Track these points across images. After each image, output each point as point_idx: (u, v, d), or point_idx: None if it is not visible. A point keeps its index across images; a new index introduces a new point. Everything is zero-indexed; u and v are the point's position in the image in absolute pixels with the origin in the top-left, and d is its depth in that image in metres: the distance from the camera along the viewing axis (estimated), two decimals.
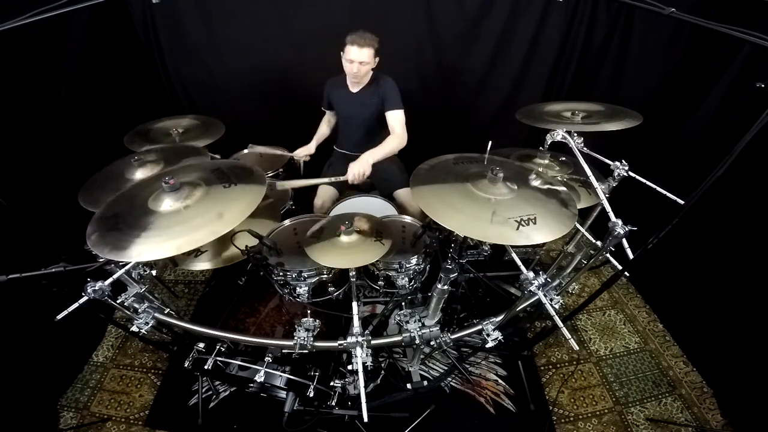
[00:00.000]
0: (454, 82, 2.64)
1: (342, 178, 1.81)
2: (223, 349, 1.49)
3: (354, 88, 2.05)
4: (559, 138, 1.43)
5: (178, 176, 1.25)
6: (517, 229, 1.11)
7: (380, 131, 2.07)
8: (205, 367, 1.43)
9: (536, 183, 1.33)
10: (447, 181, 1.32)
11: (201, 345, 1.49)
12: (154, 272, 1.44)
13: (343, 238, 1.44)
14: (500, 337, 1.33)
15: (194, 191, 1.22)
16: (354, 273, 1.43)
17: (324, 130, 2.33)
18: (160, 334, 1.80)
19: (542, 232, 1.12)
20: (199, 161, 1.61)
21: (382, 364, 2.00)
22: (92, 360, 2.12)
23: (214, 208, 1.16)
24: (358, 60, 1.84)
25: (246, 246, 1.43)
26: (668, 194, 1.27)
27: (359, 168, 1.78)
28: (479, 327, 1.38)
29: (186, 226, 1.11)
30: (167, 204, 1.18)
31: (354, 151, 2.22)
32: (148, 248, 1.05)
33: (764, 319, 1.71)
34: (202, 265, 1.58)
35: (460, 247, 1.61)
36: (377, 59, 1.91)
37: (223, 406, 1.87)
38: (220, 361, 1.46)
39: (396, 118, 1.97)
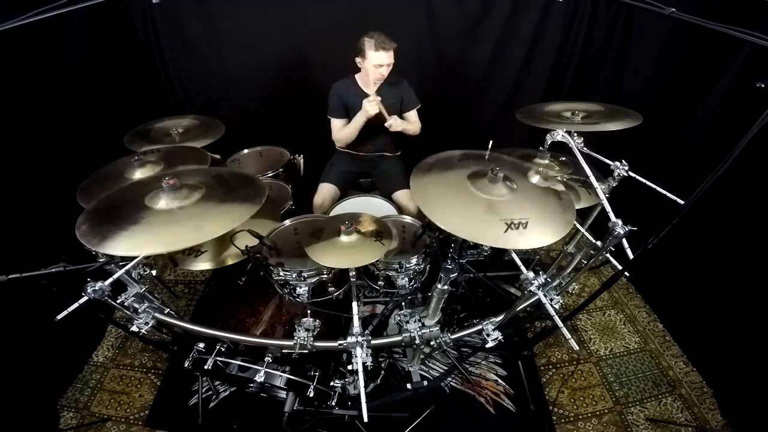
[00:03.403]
0: (454, 82, 2.64)
1: (387, 116, 1.97)
2: (223, 349, 1.49)
3: (370, 90, 2.04)
4: (559, 138, 1.43)
5: (182, 178, 1.26)
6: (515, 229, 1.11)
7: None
8: (205, 367, 1.42)
9: (537, 182, 1.32)
10: (447, 181, 1.31)
11: (201, 345, 1.49)
12: (154, 272, 1.44)
13: (343, 238, 1.44)
14: (500, 337, 1.33)
15: (192, 194, 1.22)
16: (354, 273, 1.43)
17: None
18: (160, 334, 1.80)
19: (542, 233, 1.12)
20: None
21: (382, 364, 2.00)
22: (92, 360, 2.12)
23: (202, 216, 1.17)
24: (387, 63, 1.86)
25: (246, 246, 1.42)
26: (668, 194, 1.27)
27: (398, 125, 2.00)
28: (479, 327, 1.38)
29: (171, 229, 1.12)
30: (162, 203, 1.19)
31: (361, 150, 2.22)
32: (133, 243, 1.06)
33: (764, 319, 1.71)
34: (202, 265, 1.58)
35: (460, 247, 1.61)
36: None
37: (223, 406, 1.87)
38: (220, 361, 1.46)
39: (416, 114, 2.18)
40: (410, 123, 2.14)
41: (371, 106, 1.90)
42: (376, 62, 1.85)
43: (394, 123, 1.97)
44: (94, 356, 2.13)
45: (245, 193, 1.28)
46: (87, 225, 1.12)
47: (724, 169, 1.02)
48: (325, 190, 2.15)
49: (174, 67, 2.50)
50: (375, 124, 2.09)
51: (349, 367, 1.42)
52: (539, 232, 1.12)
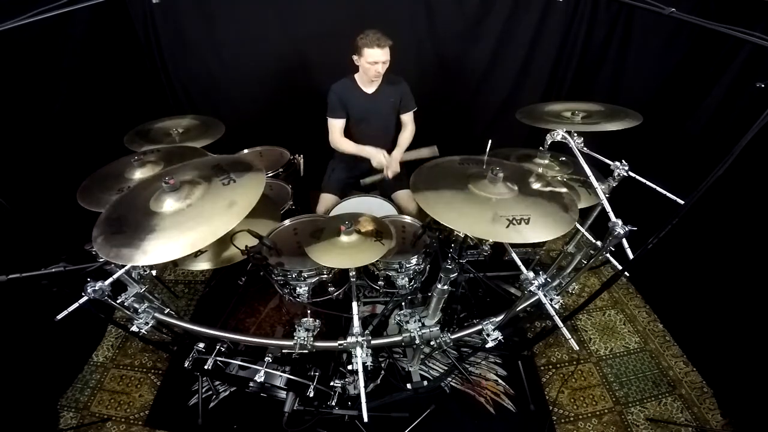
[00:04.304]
0: (454, 82, 2.64)
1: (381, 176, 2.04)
2: (223, 349, 1.49)
3: (370, 89, 2.05)
4: (559, 138, 1.43)
5: (177, 175, 1.25)
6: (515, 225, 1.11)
7: (394, 128, 2.14)
8: (205, 367, 1.43)
9: (538, 185, 1.32)
10: (448, 182, 1.31)
11: (201, 345, 1.49)
12: (154, 272, 1.44)
13: (343, 238, 1.44)
14: (500, 337, 1.33)
15: (194, 189, 1.21)
16: (354, 273, 1.43)
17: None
18: (160, 334, 1.80)
19: (542, 231, 1.12)
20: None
21: (382, 364, 2.00)
22: (92, 360, 2.12)
23: (221, 202, 1.15)
24: (383, 60, 1.87)
25: (246, 246, 1.42)
26: (668, 194, 1.27)
27: (395, 169, 2.02)
28: (479, 327, 1.38)
29: (194, 222, 1.10)
30: (169, 204, 1.17)
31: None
32: (161, 249, 1.04)
33: (764, 319, 1.71)
34: (202, 265, 1.58)
35: (460, 247, 1.61)
36: None
37: (223, 406, 1.87)
38: (220, 361, 1.46)
39: (411, 117, 2.17)
40: (404, 133, 2.16)
41: (378, 162, 2.00)
42: (371, 59, 1.86)
43: (393, 168, 2.00)
44: (94, 356, 2.13)
45: (246, 177, 1.27)
46: (102, 237, 1.11)
47: (724, 169, 1.02)
48: (328, 201, 2.15)
49: (174, 67, 2.50)
50: (379, 123, 2.11)
51: (349, 367, 1.42)
52: (541, 228, 1.12)
